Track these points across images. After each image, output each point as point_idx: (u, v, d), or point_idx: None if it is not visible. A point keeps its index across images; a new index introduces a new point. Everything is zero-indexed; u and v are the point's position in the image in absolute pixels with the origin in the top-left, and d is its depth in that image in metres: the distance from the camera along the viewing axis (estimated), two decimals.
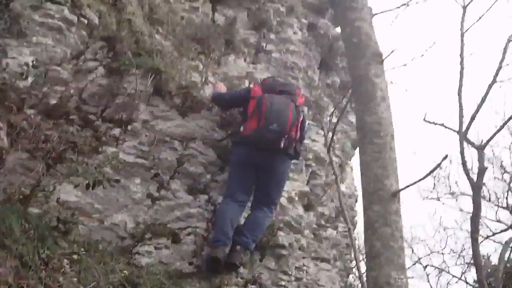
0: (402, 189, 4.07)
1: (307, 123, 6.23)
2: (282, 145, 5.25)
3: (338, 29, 8.87)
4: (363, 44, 4.75)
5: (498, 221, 10.55)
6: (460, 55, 7.64)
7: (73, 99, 4.96)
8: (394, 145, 4.31)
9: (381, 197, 3.93)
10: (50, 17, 4.83)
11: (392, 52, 4.83)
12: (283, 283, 5.50)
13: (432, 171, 4.21)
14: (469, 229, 7.84)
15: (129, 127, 5.16)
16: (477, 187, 7.38)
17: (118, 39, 5.36)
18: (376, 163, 4.09)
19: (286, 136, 5.27)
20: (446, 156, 3.94)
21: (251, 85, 6.34)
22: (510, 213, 10.14)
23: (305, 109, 6.04)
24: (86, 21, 5.12)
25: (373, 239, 3.92)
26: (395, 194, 3.94)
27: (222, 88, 6.06)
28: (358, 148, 4.54)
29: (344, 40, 5.14)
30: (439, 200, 11.18)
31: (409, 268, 12.39)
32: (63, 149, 4.62)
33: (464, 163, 7.42)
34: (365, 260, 7.32)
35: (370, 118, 4.32)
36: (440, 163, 4.02)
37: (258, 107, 5.36)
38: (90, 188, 4.22)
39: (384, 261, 3.80)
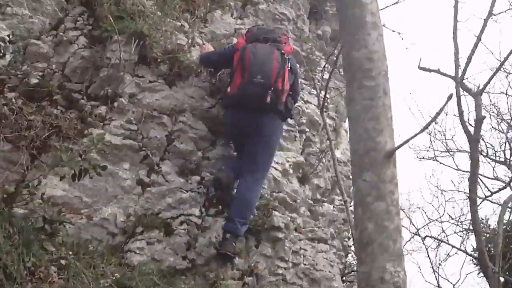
0: (398, 147, 3.58)
1: (299, 74, 6.38)
2: (268, 99, 5.29)
3: None
4: None
5: (496, 178, 10.98)
6: None
7: (55, 76, 5.07)
8: (388, 87, 3.71)
9: (374, 159, 3.44)
10: None
11: None
12: (280, 271, 5.72)
13: (433, 120, 3.96)
14: (467, 190, 8.10)
15: (115, 104, 5.29)
16: (475, 140, 7.18)
17: (97, 1, 5.44)
18: (367, 114, 3.52)
19: (272, 88, 5.31)
20: (450, 96, 3.58)
21: (236, 39, 6.45)
22: (508, 168, 10.56)
23: (294, 61, 6.02)
24: None
25: (364, 219, 3.51)
26: (390, 155, 3.45)
27: (210, 48, 6.18)
28: (345, 95, 3.93)
29: None
30: (435, 159, 11.42)
31: (408, 241, 12.66)
32: (47, 135, 4.75)
33: (461, 113, 7.30)
34: (354, 251, 7.64)
35: (358, 53, 3.63)
36: (444, 106, 3.61)
37: (241, 60, 5.45)
38: (77, 179, 4.31)
39: (378, 249, 3.45)
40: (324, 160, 7.25)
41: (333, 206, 7.29)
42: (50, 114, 4.86)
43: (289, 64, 5.61)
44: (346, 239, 7.59)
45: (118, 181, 5.15)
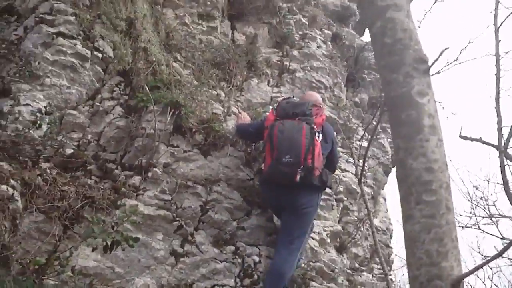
0: (467, 274, 3.19)
1: (336, 143, 6.20)
2: (298, 178, 5.16)
3: (364, 38, 9.13)
4: (400, 46, 3.54)
5: None
6: (495, 54, 7.27)
7: (90, 146, 5.10)
8: (452, 201, 3.28)
9: None
10: (62, 54, 4.96)
11: (441, 54, 3.92)
12: None
13: (498, 255, 3.50)
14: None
15: (149, 174, 5.27)
16: None
17: (134, 71, 5.49)
18: (428, 234, 3.12)
19: (302, 166, 5.19)
20: None
21: (266, 114, 6.32)
22: None
23: (330, 129, 5.95)
24: (100, 55, 5.24)
25: None
26: (458, 283, 3.02)
27: (247, 118, 6.14)
28: (401, 211, 3.46)
29: (373, 40, 3.79)
30: (479, 228, 11.10)
31: None
32: (80, 206, 4.72)
33: (505, 183, 7.14)
34: None
35: (415, 162, 3.26)
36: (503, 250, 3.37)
37: (269, 138, 5.37)
38: (109, 251, 4.23)
39: None
40: (362, 229, 7.09)
41: (372, 275, 7.09)
42: (84, 184, 4.86)
43: (319, 136, 5.46)
44: None
45: (151, 252, 5.06)
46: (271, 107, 6.60)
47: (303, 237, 5.56)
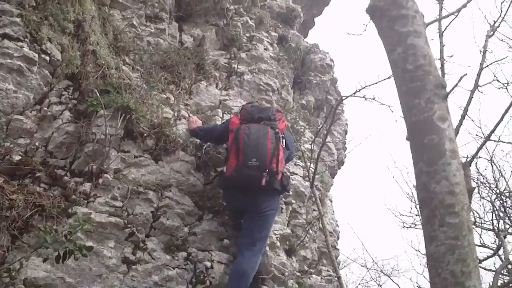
0: None
1: (293, 148, 6.25)
2: (263, 182, 5.24)
3: (308, 40, 9.21)
4: (422, 72, 3.53)
5: (483, 245, 10.85)
6: (440, 59, 7.40)
7: (38, 152, 4.92)
8: (471, 223, 3.40)
9: None
10: (8, 57, 4.76)
11: (460, 80, 4.02)
12: None
13: None
14: None
15: (100, 180, 5.13)
16: None
17: (83, 75, 5.32)
18: (453, 255, 3.18)
19: (267, 170, 5.28)
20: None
21: (230, 117, 6.28)
22: (496, 235, 10.51)
23: (289, 136, 6.10)
24: (48, 58, 5.05)
25: None
26: None
27: (198, 122, 6.15)
28: (423, 232, 3.49)
29: (393, 66, 3.74)
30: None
31: None
32: (29, 215, 4.54)
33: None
34: None
35: (439, 186, 3.28)
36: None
37: (235, 142, 5.43)
38: (61, 261, 4.10)
39: None
40: (310, 232, 7.14)
41: (321, 278, 7.15)
42: (33, 192, 4.68)
43: (283, 142, 5.56)
44: None
45: (102, 260, 4.93)
46: (220, 111, 6.59)
47: (265, 240, 5.65)
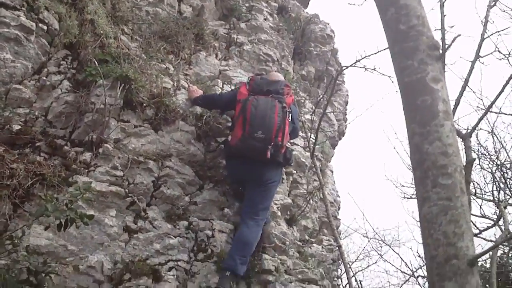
0: (482, 253, 3.37)
1: (299, 123, 6.27)
2: (268, 154, 5.30)
3: (309, 10, 9.14)
4: (415, 32, 3.55)
5: (483, 216, 10.81)
6: (441, 29, 7.29)
7: (38, 121, 4.92)
8: (465, 185, 3.38)
9: (456, 268, 3.10)
10: (5, 26, 4.73)
11: (454, 40, 3.95)
12: None
13: None
14: None
15: (100, 150, 5.12)
16: (466, 182, 7.15)
17: (82, 44, 5.30)
18: (445, 216, 3.19)
19: (273, 143, 5.33)
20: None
21: (238, 87, 6.38)
22: (496, 206, 10.52)
23: (296, 110, 6.14)
24: (45, 27, 5.02)
25: None
26: (474, 262, 3.11)
27: (198, 91, 6.16)
28: (415, 193, 3.56)
29: (386, 27, 3.76)
30: None
31: (404, 283, 12.49)
32: (30, 184, 4.55)
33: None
34: None
35: (431, 147, 3.32)
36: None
37: (242, 112, 5.45)
38: (62, 229, 4.16)
39: None
40: (311, 201, 7.15)
41: (322, 247, 7.17)
42: (33, 161, 4.69)
43: (290, 116, 5.60)
44: (336, 279, 7.46)
45: (104, 229, 4.95)
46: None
47: (267, 210, 5.72)
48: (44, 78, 5.11)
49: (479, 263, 10.94)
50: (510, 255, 10.83)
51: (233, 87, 6.69)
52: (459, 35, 3.74)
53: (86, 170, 5.06)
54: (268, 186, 5.63)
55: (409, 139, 3.58)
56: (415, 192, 3.63)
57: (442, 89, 3.45)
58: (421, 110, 3.42)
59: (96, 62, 5.24)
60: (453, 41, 3.84)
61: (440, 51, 3.54)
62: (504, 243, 10.43)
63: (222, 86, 6.71)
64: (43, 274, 4.26)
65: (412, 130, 3.45)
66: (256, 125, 5.34)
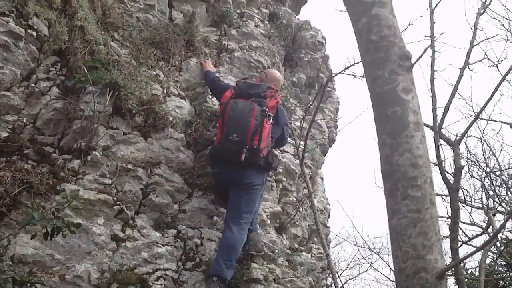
0: (450, 266, 3.38)
1: (287, 128, 6.25)
2: (243, 157, 5.36)
3: (300, 17, 9.13)
4: (386, 43, 3.52)
5: (472, 223, 10.79)
6: (430, 36, 7.24)
7: (26, 129, 4.89)
8: (434, 196, 3.37)
9: (425, 281, 3.07)
10: None
11: (425, 51, 3.96)
12: None
13: None
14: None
15: (89, 157, 5.08)
16: (455, 189, 7.15)
17: (71, 51, 5.27)
18: (414, 228, 3.16)
19: (247, 146, 5.38)
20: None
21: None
22: (485, 213, 10.53)
23: (282, 113, 6.09)
24: (34, 33, 4.99)
25: None
26: (442, 275, 3.09)
27: (211, 66, 6.58)
28: (386, 205, 3.51)
29: (358, 37, 3.71)
30: None
31: None
32: (17, 192, 4.52)
33: (440, 163, 7.10)
34: None
35: (401, 158, 3.28)
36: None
37: (222, 115, 5.58)
38: (49, 237, 4.13)
39: None
40: (301, 209, 7.14)
41: (311, 255, 7.17)
42: (21, 169, 4.65)
43: (270, 118, 5.61)
44: (325, 287, 7.46)
45: (91, 237, 4.91)
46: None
47: (251, 214, 5.67)
48: (33, 84, 5.08)
49: (469, 271, 10.97)
50: (498, 262, 10.87)
51: None
52: (430, 46, 3.72)
53: (74, 178, 5.02)
54: (251, 190, 5.62)
55: (380, 150, 3.57)
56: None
57: (413, 99, 3.44)
58: (392, 121, 3.41)
59: (85, 69, 5.19)
60: (424, 52, 3.81)
61: (412, 61, 3.53)
62: (494, 251, 10.47)
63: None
64: (29, 284, 4.16)
65: (383, 141, 3.46)
66: (232, 127, 5.43)
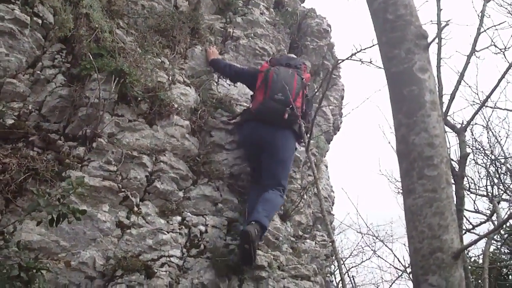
0: (467, 246, 3.34)
1: (312, 102, 6.50)
2: (286, 115, 5.59)
3: (305, 4, 9.09)
4: (402, 22, 3.51)
5: (477, 211, 10.71)
6: (437, 23, 7.18)
7: (32, 116, 4.90)
8: (451, 176, 3.33)
9: (440, 261, 3.05)
10: (0, 20, 4.75)
11: (441, 30, 4.07)
12: None
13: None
14: None
15: (94, 144, 5.10)
16: (460, 177, 7.10)
17: (76, 38, 5.28)
18: (430, 208, 3.13)
19: (291, 106, 5.57)
20: None
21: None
22: (490, 201, 10.51)
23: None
24: (40, 21, 4.99)
25: None
26: (458, 255, 3.06)
27: (216, 53, 6.63)
28: (401, 185, 3.48)
29: (374, 17, 3.71)
30: None
31: (396, 279, 12.56)
32: (23, 178, 4.54)
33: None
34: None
35: (418, 138, 3.26)
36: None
37: (264, 80, 5.85)
38: (54, 224, 4.13)
39: None
40: (305, 197, 7.14)
41: (315, 243, 7.18)
42: (26, 156, 4.66)
43: (307, 88, 6.02)
44: (329, 275, 7.47)
45: (96, 224, 4.93)
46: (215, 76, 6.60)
47: (286, 180, 5.95)
48: (39, 72, 5.09)
49: (472, 259, 10.98)
50: (502, 250, 10.87)
51: (228, 81, 6.69)
52: (447, 24, 3.72)
53: (80, 165, 5.03)
54: (282, 154, 5.83)
55: (396, 130, 3.53)
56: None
57: (429, 79, 3.42)
58: (408, 100, 3.37)
59: (91, 56, 5.20)
60: (440, 31, 3.75)
61: (428, 41, 3.48)
62: (498, 239, 10.48)
63: (218, 80, 6.69)
64: (35, 270, 4.18)
65: (399, 121, 3.41)
66: (276, 88, 5.70)
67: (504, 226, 10.28)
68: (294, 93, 5.70)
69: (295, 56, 6.56)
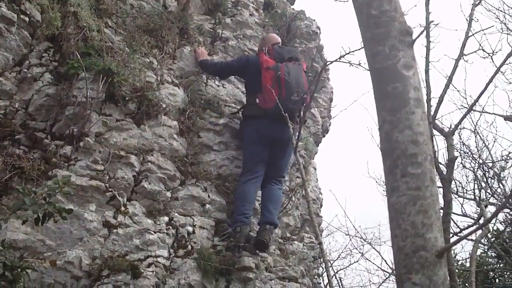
0: (451, 245, 3.31)
1: None
2: (301, 113, 5.71)
3: (295, 6, 9.10)
4: (386, 18, 3.45)
5: (464, 215, 10.79)
6: (425, 26, 7.16)
7: (18, 114, 4.87)
8: (435, 174, 3.30)
9: (424, 260, 3.01)
10: None
11: (429, 25, 3.98)
12: None
13: None
14: None
15: (81, 143, 5.08)
16: (448, 180, 7.10)
17: (64, 37, 5.25)
18: (414, 206, 3.09)
19: (304, 104, 5.75)
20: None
21: (249, 54, 7.05)
22: (477, 205, 10.57)
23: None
24: (27, 19, 4.97)
25: None
26: (442, 254, 3.04)
27: (205, 54, 6.61)
28: (385, 183, 3.42)
29: (358, 12, 3.65)
30: None
31: (384, 281, 12.62)
32: (8, 177, 4.51)
33: (433, 153, 7.21)
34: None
35: (401, 135, 3.23)
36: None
37: (276, 78, 5.90)
38: (40, 223, 4.07)
39: None
40: (293, 199, 7.13)
41: (303, 244, 7.16)
42: (12, 154, 4.64)
43: (309, 78, 6.30)
44: (316, 277, 7.46)
45: (83, 223, 4.90)
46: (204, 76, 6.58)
47: (287, 172, 6.45)
48: (25, 70, 5.06)
49: (459, 262, 11.01)
50: (489, 253, 10.91)
51: (217, 82, 6.68)
52: (433, 21, 3.70)
53: (66, 164, 5.00)
54: (290, 149, 6.01)
55: (379, 128, 3.46)
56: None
57: (414, 76, 3.35)
58: (392, 97, 3.31)
59: (78, 55, 5.18)
60: (425, 29, 3.76)
61: (413, 37, 3.42)
62: (484, 243, 10.50)
63: (206, 81, 6.67)
64: (19, 269, 4.14)
65: (383, 118, 3.35)
66: (291, 88, 5.78)
67: (491, 229, 10.30)
68: (306, 89, 5.89)
69: (292, 48, 6.73)
